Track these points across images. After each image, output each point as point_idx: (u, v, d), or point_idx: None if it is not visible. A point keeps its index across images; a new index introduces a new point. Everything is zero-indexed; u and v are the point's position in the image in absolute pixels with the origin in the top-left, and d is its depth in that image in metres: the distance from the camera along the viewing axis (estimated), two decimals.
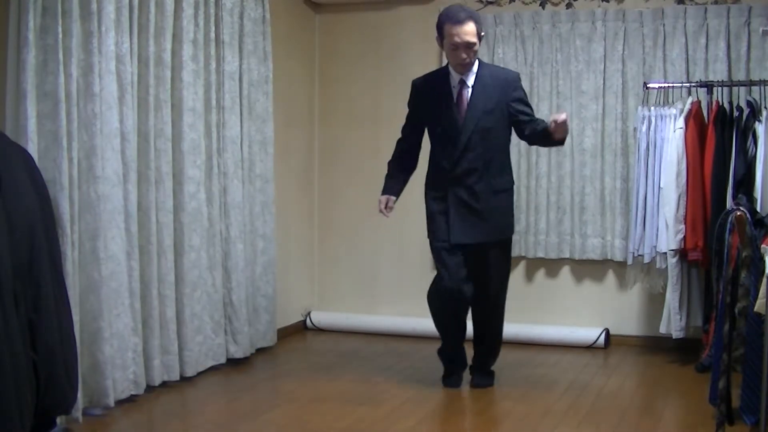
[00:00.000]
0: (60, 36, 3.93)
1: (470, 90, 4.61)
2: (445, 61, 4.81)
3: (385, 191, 4.81)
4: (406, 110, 4.86)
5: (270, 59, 5.58)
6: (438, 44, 4.67)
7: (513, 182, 4.80)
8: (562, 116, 4.33)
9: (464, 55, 4.53)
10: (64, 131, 3.96)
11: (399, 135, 4.90)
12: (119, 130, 4.31)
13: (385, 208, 4.75)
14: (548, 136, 4.46)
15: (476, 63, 4.64)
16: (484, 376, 4.86)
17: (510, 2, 6.08)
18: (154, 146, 4.61)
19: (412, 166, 4.88)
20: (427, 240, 4.78)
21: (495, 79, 4.65)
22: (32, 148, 3.81)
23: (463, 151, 4.59)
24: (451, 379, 4.86)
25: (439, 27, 4.59)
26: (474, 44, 4.52)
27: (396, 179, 4.82)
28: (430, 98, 4.69)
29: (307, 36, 6.43)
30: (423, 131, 4.82)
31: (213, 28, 5.06)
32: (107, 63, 4.21)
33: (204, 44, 4.99)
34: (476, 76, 4.62)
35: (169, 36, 4.68)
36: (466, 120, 4.59)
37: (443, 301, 4.74)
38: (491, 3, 6.12)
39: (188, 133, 4.84)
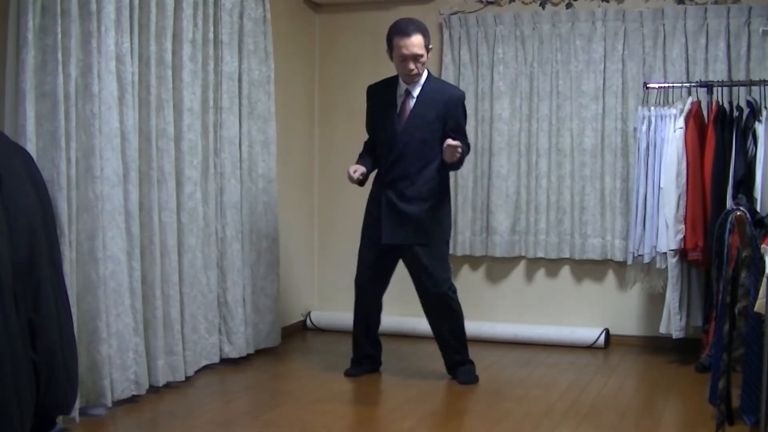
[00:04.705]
0: (59, 36, 3.93)
1: (414, 101, 4.77)
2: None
3: (356, 163, 4.91)
4: None
5: (271, 59, 5.57)
6: (388, 56, 4.81)
7: (448, 191, 4.90)
8: (452, 141, 4.55)
9: (411, 66, 4.69)
10: (62, 131, 3.95)
11: None
12: (119, 130, 4.30)
13: (354, 173, 4.78)
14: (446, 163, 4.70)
15: (424, 75, 4.78)
16: (465, 373, 4.89)
17: (510, 2, 6.08)
18: (155, 146, 4.60)
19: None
20: None
21: (440, 93, 4.80)
22: (30, 148, 3.80)
23: (398, 158, 4.76)
24: (354, 369, 5.03)
25: (389, 40, 4.75)
26: (421, 56, 4.69)
27: (366, 159, 4.95)
28: (379, 104, 4.91)
29: (307, 36, 6.43)
30: None
31: (212, 28, 5.05)
32: (107, 63, 4.20)
33: (202, 44, 4.99)
34: (422, 89, 4.78)
35: (170, 36, 4.67)
36: (404, 129, 4.76)
37: (356, 296, 5.02)
38: (491, 3, 6.12)
39: (186, 133, 4.84)
